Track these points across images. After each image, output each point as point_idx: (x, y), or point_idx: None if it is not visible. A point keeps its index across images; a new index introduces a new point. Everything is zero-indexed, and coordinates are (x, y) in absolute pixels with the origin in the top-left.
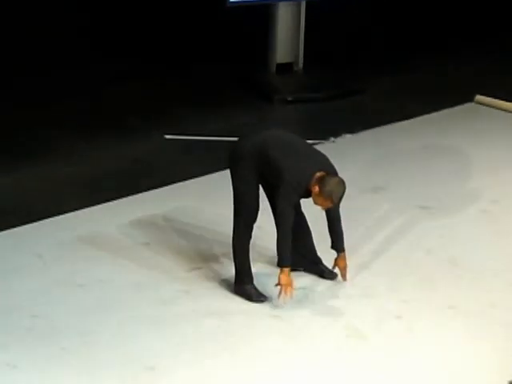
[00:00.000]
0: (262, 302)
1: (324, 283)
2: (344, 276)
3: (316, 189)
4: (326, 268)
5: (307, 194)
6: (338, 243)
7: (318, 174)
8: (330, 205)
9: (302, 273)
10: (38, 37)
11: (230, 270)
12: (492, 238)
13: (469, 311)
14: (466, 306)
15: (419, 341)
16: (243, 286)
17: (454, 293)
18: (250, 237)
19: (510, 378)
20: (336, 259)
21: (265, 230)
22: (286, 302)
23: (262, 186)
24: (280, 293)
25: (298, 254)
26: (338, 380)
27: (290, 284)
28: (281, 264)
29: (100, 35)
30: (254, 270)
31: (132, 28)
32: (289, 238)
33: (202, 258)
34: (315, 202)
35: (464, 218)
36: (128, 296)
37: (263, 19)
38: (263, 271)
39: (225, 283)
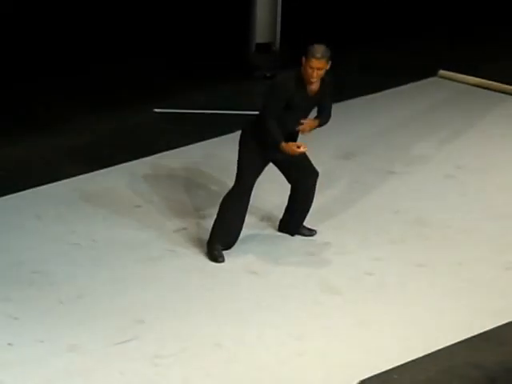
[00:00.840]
0: (220, 262)
1: (300, 242)
2: (303, 130)
3: (303, 60)
4: (305, 227)
5: (303, 84)
6: (321, 116)
7: None
8: (319, 64)
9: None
10: (34, 19)
11: None
12: (457, 200)
13: (436, 269)
14: (433, 264)
15: (389, 296)
16: (211, 245)
17: (423, 251)
18: (236, 205)
19: (471, 333)
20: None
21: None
22: (304, 150)
23: (274, 163)
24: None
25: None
26: (313, 334)
27: (291, 147)
28: (278, 145)
29: (92, 14)
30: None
31: (122, 10)
32: (274, 126)
33: (187, 220)
34: (310, 75)
35: (430, 182)
36: (119, 254)
37: (244, 2)
38: (248, 232)
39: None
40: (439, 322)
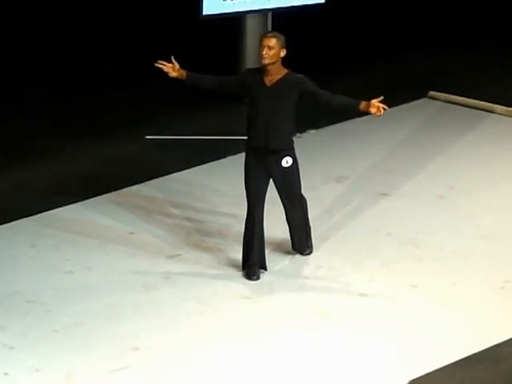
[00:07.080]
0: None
1: (293, 266)
2: (380, 110)
3: None
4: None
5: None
6: (351, 99)
7: None
8: (268, 42)
9: (273, 254)
10: (19, 45)
11: (206, 257)
12: (449, 221)
13: (429, 290)
14: (427, 285)
15: (383, 318)
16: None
17: (416, 273)
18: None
19: (466, 353)
20: (368, 104)
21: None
22: None
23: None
24: None
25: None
26: (304, 355)
27: None
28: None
29: (81, 44)
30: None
31: (111, 36)
32: (205, 76)
33: (181, 246)
34: (259, 54)
35: (422, 203)
36: (114, 281)
37: (234, 29)
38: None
39: (201, 269)
40: (434, 343)
